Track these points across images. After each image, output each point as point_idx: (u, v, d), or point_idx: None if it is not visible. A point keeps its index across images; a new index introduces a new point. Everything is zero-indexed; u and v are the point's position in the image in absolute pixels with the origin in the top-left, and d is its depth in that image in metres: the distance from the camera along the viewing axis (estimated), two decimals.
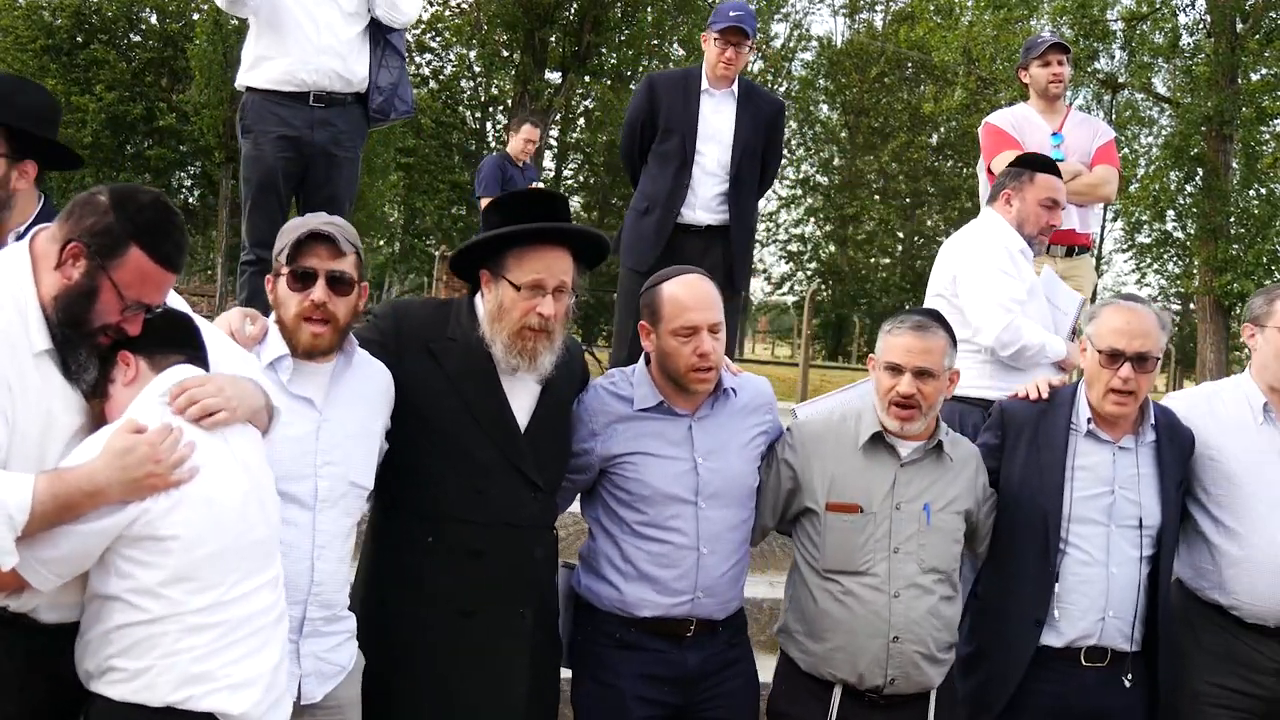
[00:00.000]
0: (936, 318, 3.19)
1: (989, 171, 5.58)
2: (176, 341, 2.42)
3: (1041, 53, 5.56)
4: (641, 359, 3.19)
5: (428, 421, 2.89)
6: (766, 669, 3.31)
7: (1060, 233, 5.59)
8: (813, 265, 37.86)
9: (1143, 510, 3.25)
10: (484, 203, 8.63)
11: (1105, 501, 3.25)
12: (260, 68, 5.01)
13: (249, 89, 5.04)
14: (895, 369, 3.06)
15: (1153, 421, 3.30)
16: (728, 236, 5.45)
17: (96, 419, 2.35)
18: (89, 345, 2.31)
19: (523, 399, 2.97)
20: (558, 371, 2.96)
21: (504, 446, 2.92)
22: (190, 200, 29.34)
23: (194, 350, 2.44)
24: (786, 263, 38.00)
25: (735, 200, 5.46)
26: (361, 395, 2.79)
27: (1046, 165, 4.34)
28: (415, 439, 2.89)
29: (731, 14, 5.39)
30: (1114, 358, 3.18)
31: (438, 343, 2.94)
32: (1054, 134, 5.50)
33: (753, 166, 5.53)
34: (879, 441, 3.13)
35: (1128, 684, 3.21)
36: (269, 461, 2.50)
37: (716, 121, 5.44)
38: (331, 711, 2.72)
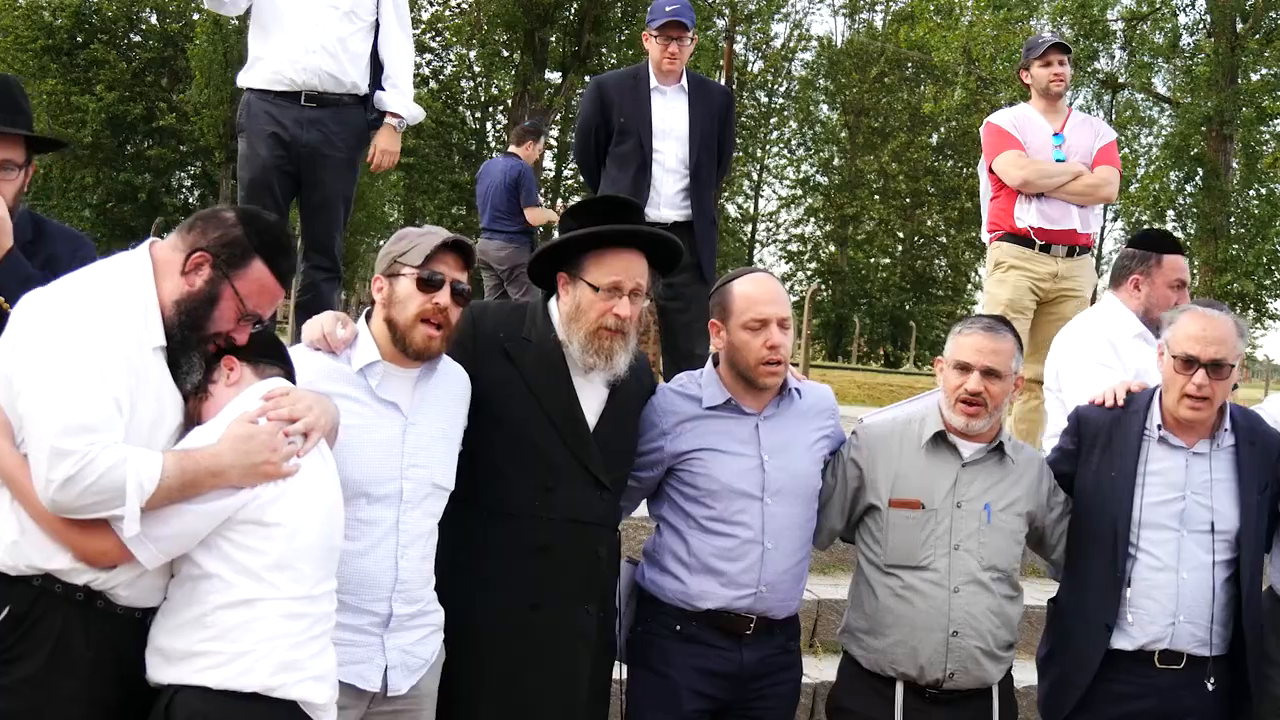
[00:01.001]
0: (1006, 323, 3.25)
1: (990, 171, 5.59)
2: (274, 354, 2.59)
3: (1042, 53, 5.56)
4: (709, 360, 3.26)
5: (501, 420, 2.96)
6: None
7: (1061, 233, 5.61)
8: (813, 265, 37.92)
9: (1216, 515, 3.26)
10: (531, 212, 8.71)
11: (1176, 507, 3.26)
12: (255, 67, 5.02)
13: (247, 89, 5.05)
14: (964, 367, 3.11)
15: (1228, 426, 3.31)
16: (692, 231, 5.47)
17: (192, 418, 2.48)
18: (201, 349, 2.47)
19: (592, 400, 3.04)
20: (627, 374, 3.02)
21: (574, 446, 2.99)
22: (190, 200, 29.37)
23: (288, 364, 2.61)
24: (786, 263, 38.06)
25: (696, 194, 5.48)
26: (444, 400, 2.88)
27: (1172, 245, 4.25)
28: (489, 437, 2.96)
29: (668, 9, 5.40)
30: (1189, 364, 3.20)
31: (513, 343, 3.02)
32: (1055, 134, 5.50)
33: (709, 159, 5.55)
34: (941, 441, 3.18)
35: (1210, 687, 3.22)
36: (356, 463, 2.66)
37: (671, 118, 5.45)
38: (413, 702, 2.81)
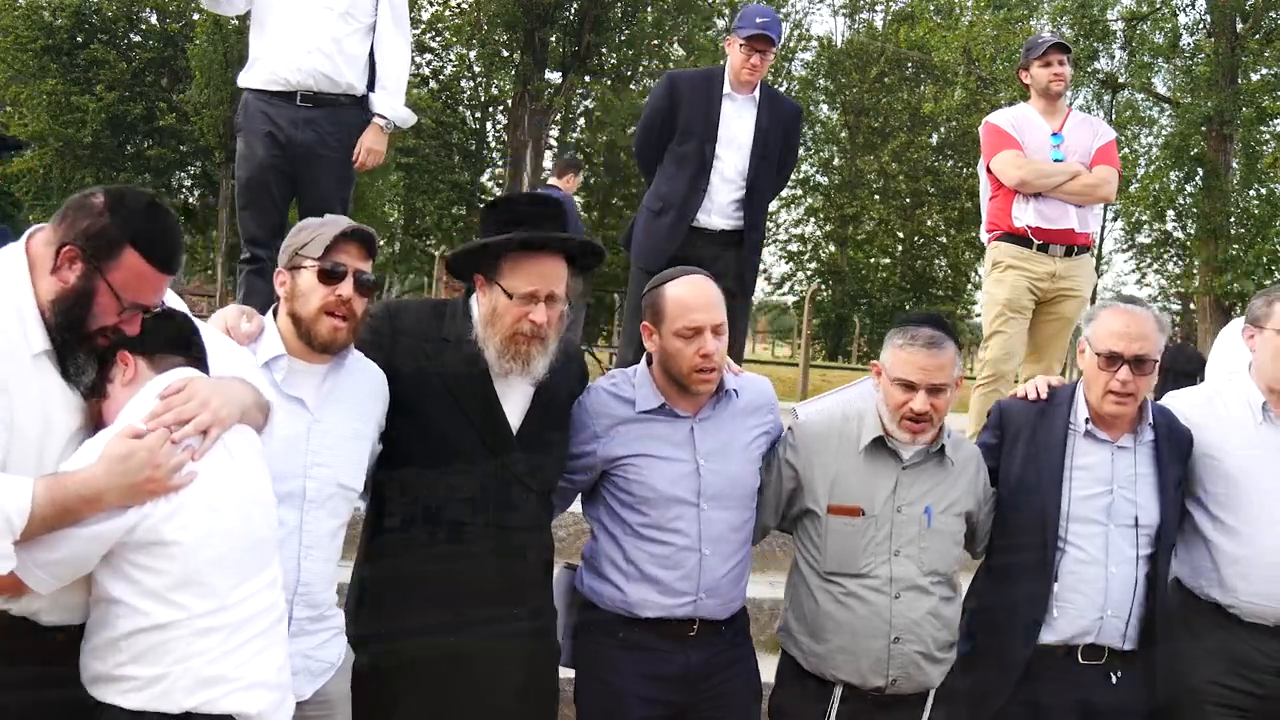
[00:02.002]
0: (943, 327, 3.19)
1: (989, 171, 5.58)
2: (175, 342, 2.42)
3: (1043, 53, 5.55)
4: (643, 360, 3.20)
5: (419, 421, 2.90)
6: (768, 668, 3.32)
7: (1059, 232, 5.59)
8: (813, 265, 37.88)
9: (1140, 510, 3.26)
10: None
11: (1104, 501, 3.26)
12: (254, 68, 5.03)
13: (246, 89, 5.06)
14: (909, 385, 3.07)
15: (1150, 421, 3.31)
16: (741, 241, 5.44)
17: (94, 419, 2.34)
18: (87, 347, 2.31)
19: (516, 400, 2.98)
20: (553, 373, 2.96)
21: (495, 448, 2.92)
22: (190, 200, 29.35)
23: (193, 350, 2.44)
24: (786, 263, 38.03)
25: (750, 206, 5.44)
26: (353, 397, 2.81)
27: None
28: (407, 439, 2.90)
29: (758, 20, 5.34)
30: (1112, 360, 3.19)
31: (431, 343, 2.95)
32: (1054, 134, 5.49)
33: (769, 173, 5.50)
34: (881, 445, 3.15)
35: (1114, 680, 3.23)
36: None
37: (737, 127, 5.40)
38: (321, 707, 2.74)
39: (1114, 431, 3.27)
